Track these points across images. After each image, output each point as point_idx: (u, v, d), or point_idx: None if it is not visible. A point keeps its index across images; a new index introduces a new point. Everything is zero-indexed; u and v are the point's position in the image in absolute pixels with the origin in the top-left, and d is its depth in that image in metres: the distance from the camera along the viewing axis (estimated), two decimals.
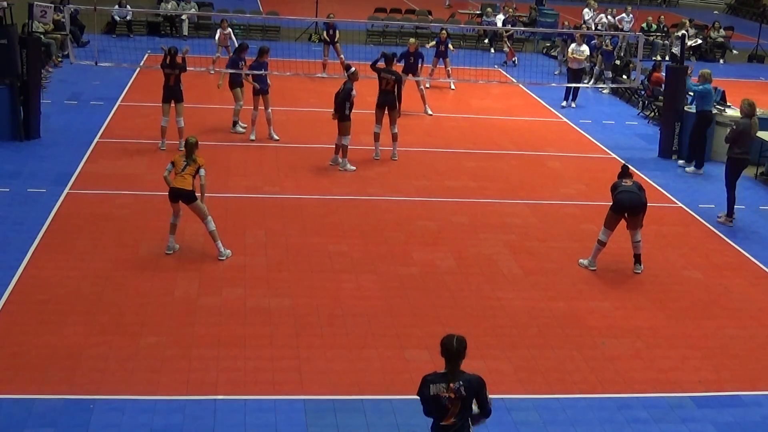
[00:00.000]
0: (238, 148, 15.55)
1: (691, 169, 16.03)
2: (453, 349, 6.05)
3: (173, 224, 11.06)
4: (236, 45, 17.43)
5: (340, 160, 14.72)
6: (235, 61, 16.29)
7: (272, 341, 9.09)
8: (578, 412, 8.23)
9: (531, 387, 8.56)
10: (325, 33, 22.13)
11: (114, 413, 7.71)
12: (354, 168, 14.67)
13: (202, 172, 10.83)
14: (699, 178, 15.73)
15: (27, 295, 9.79)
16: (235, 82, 16.17)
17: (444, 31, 21.10)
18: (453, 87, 21.39)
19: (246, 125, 16.34)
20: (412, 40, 19.81)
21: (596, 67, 23.07)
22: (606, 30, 26.05)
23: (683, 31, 24.33)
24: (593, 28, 26.57)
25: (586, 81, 22.54)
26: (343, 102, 14.30)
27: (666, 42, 27.28)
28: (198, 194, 10.84)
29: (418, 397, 6.12)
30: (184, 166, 10.78)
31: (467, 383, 6.03)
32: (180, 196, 10.82)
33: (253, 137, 16.03)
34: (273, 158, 15.17)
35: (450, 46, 21.12)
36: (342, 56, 21.46)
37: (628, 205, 11.07)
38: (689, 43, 23.82)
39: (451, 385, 6.00)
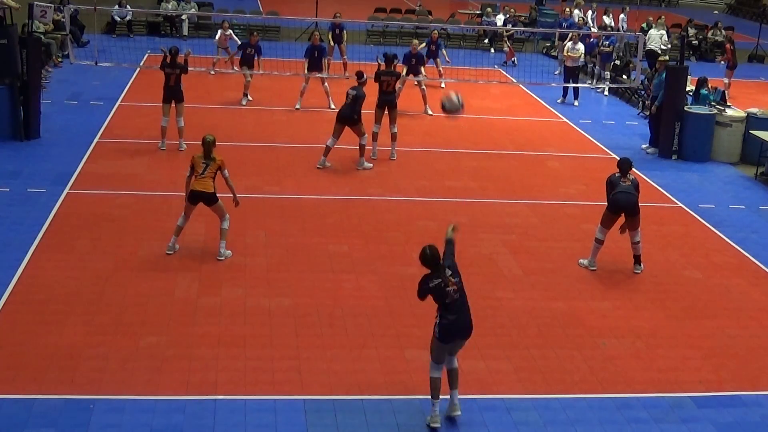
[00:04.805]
0: (237, 148, 15.53)
1: (651, 149, 17.27)
2: (429, 257, 7.55)
3: (180, 226, 10.98)
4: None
5: (327, 163, 14.72)
6: (248, 56, 18.39)
7: (272, 341, 9.10)
8: (578, 412, 8.23)
9: (531, 387, 8.56)
10: (331, 34, 21.99)
11: (114, 413, 7.71)
12: (371, 165, 14.78)
13: (226, 173, 10.80)
14: (699, 178, 15.74)
15: (27, 295, 9.79)
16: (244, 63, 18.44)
17: (435, 32, 21.04)
18: (443, 86, 21.21)
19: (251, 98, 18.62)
20: (415, 41, 19.74)
21: (595, 67, 23.08)
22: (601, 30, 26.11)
23: (662, 31, 24.36)
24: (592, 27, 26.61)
25: (588, 81, 22.53)
26: (352, 107, 14.46)
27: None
28: (229, 195, 10.89)
29: (419, 294, 7.66)
30: (204, 168, 10.71)
31: (453, 270, 7.62)
32: (201, 199, 10.79)
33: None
34: (273, 158, 15.17)
35: (444, 51, 20.98)
36: (345, 57, 21.42)
37: (624, 207, 11.05)
38: (660, 45, 23.85)
39: (450, 279, 7.54)
